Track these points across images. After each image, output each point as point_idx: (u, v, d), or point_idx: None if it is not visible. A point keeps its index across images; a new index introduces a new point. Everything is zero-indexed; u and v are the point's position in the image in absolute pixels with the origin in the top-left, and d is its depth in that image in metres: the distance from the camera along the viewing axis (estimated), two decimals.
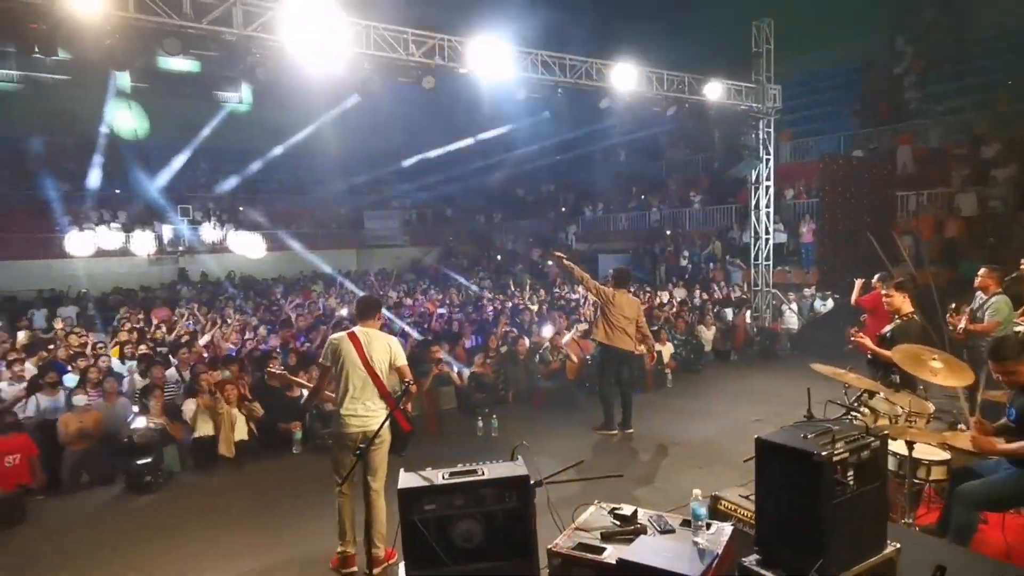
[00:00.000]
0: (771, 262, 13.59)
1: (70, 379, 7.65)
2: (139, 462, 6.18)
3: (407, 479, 3.43)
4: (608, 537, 3.24)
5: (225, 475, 6.64)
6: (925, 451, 4.32)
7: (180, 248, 22.12)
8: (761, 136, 12.95)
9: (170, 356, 8.52)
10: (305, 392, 5.57)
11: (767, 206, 13.37)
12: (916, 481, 4.22)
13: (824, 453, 2.62)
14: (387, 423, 4.16)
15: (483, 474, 3.42)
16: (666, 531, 3.28)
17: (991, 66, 17.36)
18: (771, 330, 12.81)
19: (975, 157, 14.61)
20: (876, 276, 7.66)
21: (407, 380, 4.45)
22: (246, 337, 10.44)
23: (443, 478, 3.41)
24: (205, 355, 8.54)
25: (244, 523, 5.45)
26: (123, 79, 19.98)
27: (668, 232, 19.97)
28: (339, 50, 8.23)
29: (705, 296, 14.33)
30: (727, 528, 3.29)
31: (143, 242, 20.97)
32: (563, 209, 25.52)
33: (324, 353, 4.55)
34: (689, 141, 22.55)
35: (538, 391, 9.17)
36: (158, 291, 18.51)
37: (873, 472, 2.80)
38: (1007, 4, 17.31)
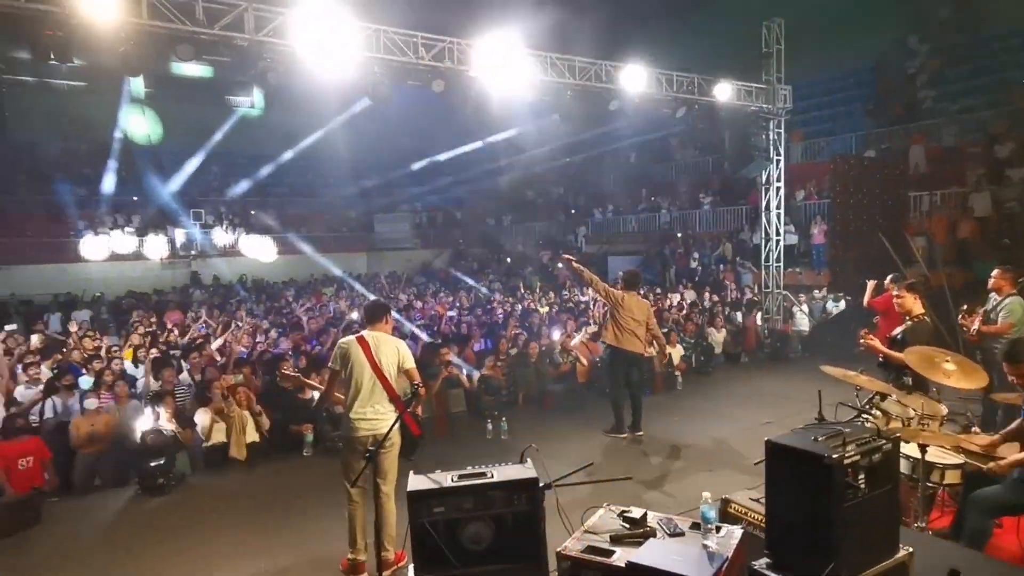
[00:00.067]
0: (782, 264, 13.50)
1: (84, 381, 7.74)
2: (151, 464, 6.24)
3: (416, 482, 3.44)
4: (617, 540, 3.23)
5: (236, 477, 6.69)
6: (939, 454, 4.27)
7: (192, 252, 22.34)
8: (771, 137, 12.88)
9: (182, 361, 8.58)
10: (317, 395, 5.60)
11: (778, 207, 13.29)
12: (929, 485, 4.18)
13: (835, 456, 2.60)
14: (396, 426, 4.17)
15: (492, 477, 3.42)
16: (675, 534, 3.27)
17: (1006, 64, 17.16)
18: (782, 332, 12.73)
19: (989, 156, 14.45)
20: (889, 277, 7.59)
21: (416, 383, 4.47)
22: (257, 340, 10.50)
23: (452, 481, 3.41)
24: (218, 359, 8.60)
25: (255, 525, 5.48)
26: (137, 85, 20.20)
27: (680, 235, 19.89)
28: (349, 54, 8.28)
29: (715, 298, 14.26)
30: (737, 531, 3.27)
31: (156, 246, 21.21)
32: (573, 211, 25.49)
33: (333, 357, 4.58)
34: (699, 142, 22.46)
35: (548, 393, 9.16)
36: (170, 294, 18.67)
37: (885, 475, 2.78)
38: (1022, 1, 17.11)
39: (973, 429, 5.38)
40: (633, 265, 16.02)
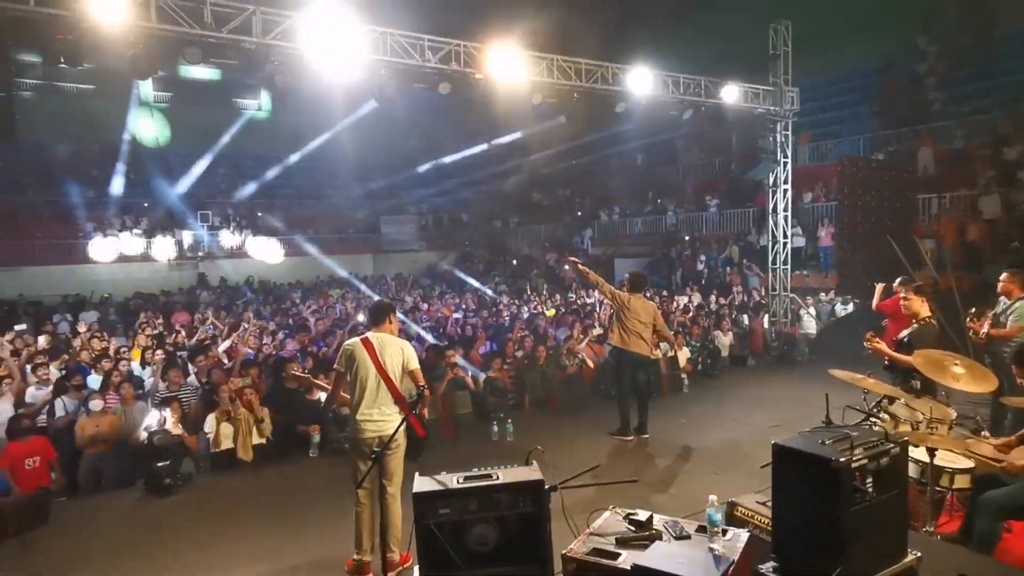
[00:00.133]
0: (789, 266, 13.44)
1: (93, 380, 7.78)
2: (158, 464, 6.26)
3: (422, 483, 3.44)
4: (623, 543, 3.21)
5: (243, 478, 6.70)
6: (948, 458, 4.24)
7: (200, 253, 22.48)
8: (779, 139, 12.83)
9: (188, 363, 8.60)
10: (324, 396, 5.61)
11: (785, 209, 13.24)
12: (938, 489, 4.14)
13: (842, 459, 2.59)
14: (402, 428, 4.18)
15: (498, 478, 3.42)
16: (682, 537, 3.24)
17: (1015, 66, 17.05)
18: (789, 335, 12.67)
19: (999, 159, 14.34)
20: (897, 280, 7.54)
21: (420, 384, 4.47)
22: (263, 342, 10.54)
23: (458, 482, 3.40)
24: (226, 362, 8.62)
25: (261, 526, 5.49)
26: (145, 88, 20.36)
27: (686, 237, 19.84)
28: (356, 57, 8.31)
29: (722, 301, 14.22)
30: (743, 535, 3.25)
31: (164, 247, 21.36)
32: (579, 213, 25.49)
33: (338, 359, 4.59)
34: (706, 144, 22.40)
35: (554, 396, 9.15)
36: (178, 296, 18.78)
37: (893, 479, 2.76)
38: None
39: (983, 433, 5.34)
40: (639, 268, 16.00)
